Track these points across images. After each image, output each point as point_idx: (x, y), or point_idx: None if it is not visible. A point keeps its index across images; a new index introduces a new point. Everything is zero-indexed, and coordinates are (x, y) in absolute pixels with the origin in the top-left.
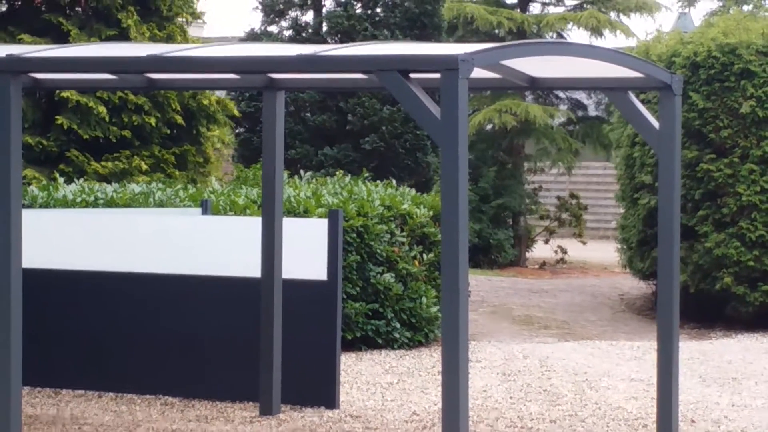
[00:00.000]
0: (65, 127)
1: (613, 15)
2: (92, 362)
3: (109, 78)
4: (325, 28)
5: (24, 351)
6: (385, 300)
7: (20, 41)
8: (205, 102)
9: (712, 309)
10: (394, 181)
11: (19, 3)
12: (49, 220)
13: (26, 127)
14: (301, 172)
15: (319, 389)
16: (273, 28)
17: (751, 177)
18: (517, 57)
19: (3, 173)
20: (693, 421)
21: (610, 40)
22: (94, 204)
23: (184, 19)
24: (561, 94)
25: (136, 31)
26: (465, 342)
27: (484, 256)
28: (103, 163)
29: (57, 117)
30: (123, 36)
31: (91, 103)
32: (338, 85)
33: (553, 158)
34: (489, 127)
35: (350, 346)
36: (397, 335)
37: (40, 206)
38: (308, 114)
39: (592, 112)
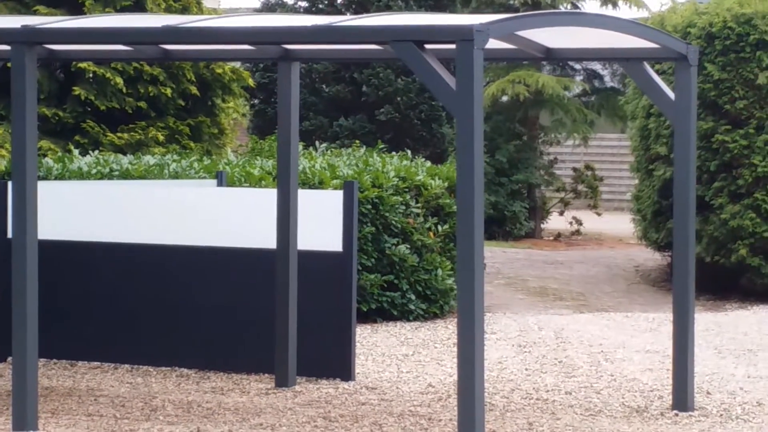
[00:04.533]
0: (82, 98)
1: None
2: (108, 334)
3: (124, 49)
4: None
5: (40, 323)
6: (400, 271)
7: (35, 12)
8: (220, 71)
9: (727, 281)
10: (408, 153)
11: None
12: (64, 191)
13: (42, 98)
14: (317, 143)
15: (334, 361)
16: (288, 0)
17: (767, 148)
18: (532, 27)
19: (19, 144)
20: (708, 393)
21: (624, 12)
22: (109, 176)
23: None
24: (577, 65)
25: (151, 2)
26: (480, 314)
27: (499, 228)
28: (119, 135)
29: (74, 88)
30: (138, 7)
31: (108, 74)
32: (353, 56)
33: (569, 130)
34: (504, 98)
35: (365, 317)
36: (412, 307)
37: (56, 178)
38: (323, 85)
39: (609, 82)
